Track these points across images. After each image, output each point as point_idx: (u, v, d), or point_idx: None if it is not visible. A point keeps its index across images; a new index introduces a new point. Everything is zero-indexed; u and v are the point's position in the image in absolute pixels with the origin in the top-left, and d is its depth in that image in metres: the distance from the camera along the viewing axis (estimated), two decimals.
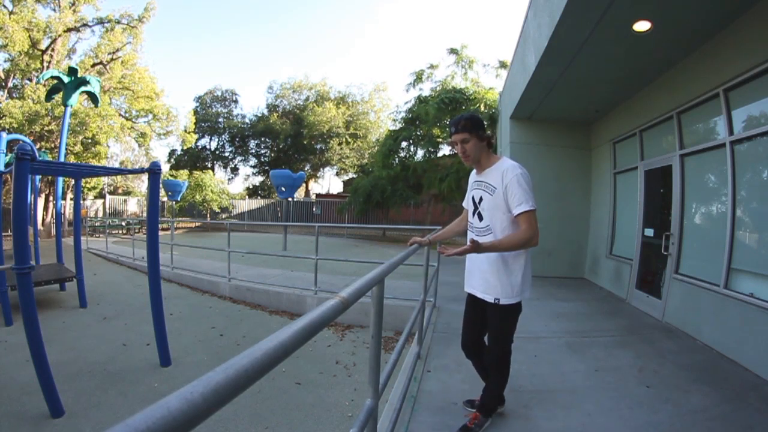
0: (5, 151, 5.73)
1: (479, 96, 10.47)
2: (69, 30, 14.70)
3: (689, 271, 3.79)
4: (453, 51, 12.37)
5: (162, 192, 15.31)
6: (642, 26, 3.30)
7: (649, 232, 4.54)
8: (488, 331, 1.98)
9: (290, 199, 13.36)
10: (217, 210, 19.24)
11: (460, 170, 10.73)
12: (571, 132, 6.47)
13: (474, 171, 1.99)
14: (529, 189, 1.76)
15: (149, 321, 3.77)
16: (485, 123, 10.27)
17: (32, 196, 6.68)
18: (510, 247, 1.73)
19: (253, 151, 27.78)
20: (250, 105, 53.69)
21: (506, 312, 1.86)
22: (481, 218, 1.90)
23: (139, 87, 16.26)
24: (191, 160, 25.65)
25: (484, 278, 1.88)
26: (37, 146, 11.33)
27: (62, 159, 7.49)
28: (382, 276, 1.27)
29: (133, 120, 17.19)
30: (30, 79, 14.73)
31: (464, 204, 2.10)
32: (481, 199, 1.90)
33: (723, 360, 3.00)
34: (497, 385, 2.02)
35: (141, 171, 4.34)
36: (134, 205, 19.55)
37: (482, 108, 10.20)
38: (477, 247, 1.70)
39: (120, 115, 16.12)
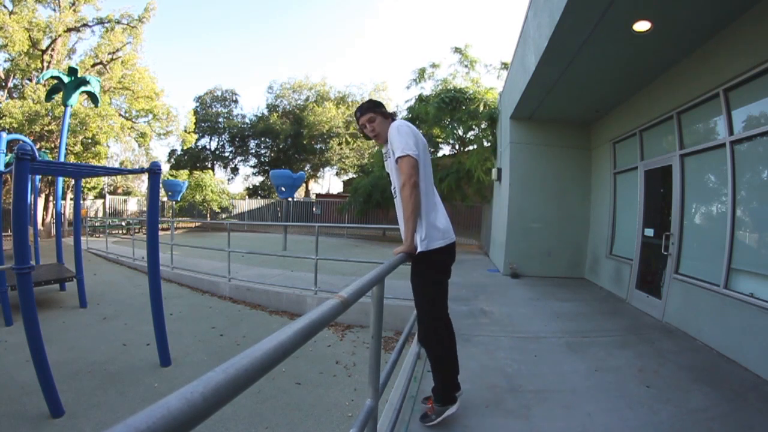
0: (5, 151, 5.72)
1: (479, 96, 10.48)
2: (69, 30, 14.70)
3: (689, 271, 3.79)
4: (457, 50, 12.38)
5: (162, 192, 15.31)
6: (642, 26, 3.30)
7: (649, 232, 4.54)
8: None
9: (290, 199, 13.35)
10: (217, 210, 19.23)
11: (460, 170, 10.73)
12: (571, 132, 6.47)
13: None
14: (406, 136, 1.78)
15: (149, 321, 3.77)
16: (484, 122, 10.34)
17: (32, 196, 6.68)
18: (409, 208, 1.73)
19: (253, 151, 27.80)
20: (250, 105, 53.69)
21: (417, 262, 1.86)
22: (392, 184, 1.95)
23: (139, 87, 16.25)
24: (191, 160, 25.65)
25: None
26: (37, 146, 11.32)
27: (62, 159, 7.48)
28: (382, 276, 1.27)
29: (133, 120, 17.19)
30: (30, 79, 14.73)
31: None
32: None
33: (723, 360, 3.00)
34: (433, 364, 1.97)
35: (141, 171, 4.34)
36: (134, 205, 19.54)
37: (482, 107, 10.20)
38: (407, 242, 1.74)
39: (120, 115, 16.11)
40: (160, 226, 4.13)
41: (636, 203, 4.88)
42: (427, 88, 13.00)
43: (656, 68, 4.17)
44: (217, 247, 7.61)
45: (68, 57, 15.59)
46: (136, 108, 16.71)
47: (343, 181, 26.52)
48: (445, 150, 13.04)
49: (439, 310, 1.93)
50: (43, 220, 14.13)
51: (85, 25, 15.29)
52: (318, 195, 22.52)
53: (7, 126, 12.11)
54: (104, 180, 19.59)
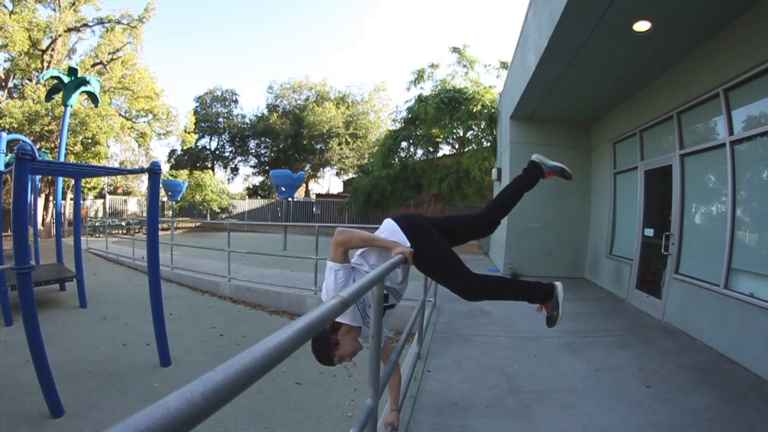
0: (5, 151, 5.72)
1: (478, 96, 10.48)
2: (69, 30, 14.70)
3: (689, 271, 3.79)
4: (455, 50, 12.39)
5: (162, 192, 15.30)
6: (642, 26, 3.30)
7: (649, 232, 4.54)
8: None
9: (290, 199, 13.36)
10: (217, 210, 19.24)
11: (460, 170, 10.74)
12: (571, 132, 6.47)
13: None
14: (341, 282, 1.68)
15: (149, 321, 3.77)
16: (483, 122, 10.32)
17: (32, 196, 6.68)
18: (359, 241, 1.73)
19: (253, 151, 27.79)
20: (250, 105, 53.70)
21: (417, 250, 1.74)
22: None
23: (139, 87, 16.24)
24: (191, 160, 25.65)
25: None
26: (37, 146, 11.30)
27: (62, 159, 7.47)
28: (382, 276, 1.27)
29: (133, 120, 17.18)
30: (30, 79, 14.72)
31: None
32: None
33: (723, 360, 3.00)
34: (508, 292, 1.88)
35: (141, 171, 4.34)
36: (134, 205, 19.54)
37: (480, 108, 10.20)
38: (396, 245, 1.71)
39: (120, 115, 16.11)
40: (160, 226, 4.13)
41: (636, 203, 4.88)
42: (427, 89, 13.00)
43: (656, 68, 4.17)
44: (217, 247, 7.61)
45: (68, 57, 15.59)
46: (136, 108, 16.71)
47: (343, 181, 26.52)
48: (445, 150, 13.05)
49: (465, 270, 1.77)
50: (43, 220, 14.13)
51: (85, 25, 15.29)
52: (318, 195, 22.53)
53: (7, 126, 12.11)
54: (104, 180, 19.58)
